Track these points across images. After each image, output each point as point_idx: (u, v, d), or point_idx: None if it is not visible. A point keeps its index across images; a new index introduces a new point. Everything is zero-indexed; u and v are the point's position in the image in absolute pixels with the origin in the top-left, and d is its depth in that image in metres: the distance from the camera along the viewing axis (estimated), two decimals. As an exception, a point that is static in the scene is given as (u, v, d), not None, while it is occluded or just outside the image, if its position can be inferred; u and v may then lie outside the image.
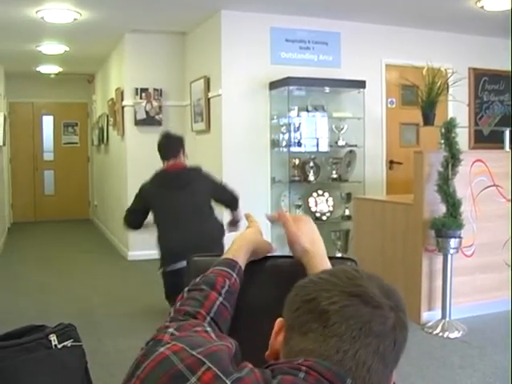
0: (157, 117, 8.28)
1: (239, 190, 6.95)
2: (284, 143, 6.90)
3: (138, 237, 8.29)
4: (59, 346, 2.01)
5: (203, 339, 1.12)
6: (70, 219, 12.44)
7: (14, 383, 1.90)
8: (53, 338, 2.02)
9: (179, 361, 1.01)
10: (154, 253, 8.05)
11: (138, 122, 8.26)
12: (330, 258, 1.66)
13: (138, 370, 1.04)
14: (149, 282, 6.34)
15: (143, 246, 8.22)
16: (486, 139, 7.95)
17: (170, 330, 1.16)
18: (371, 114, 7.17)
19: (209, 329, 1.22)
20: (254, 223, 1.80)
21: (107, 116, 9.95)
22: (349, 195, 6.97)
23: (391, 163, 7.55)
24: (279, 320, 1.14)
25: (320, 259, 1.58)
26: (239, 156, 6.98)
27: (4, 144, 9.99)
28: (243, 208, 6.96)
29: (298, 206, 6.91)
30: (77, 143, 13.01)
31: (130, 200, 8.22)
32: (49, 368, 1.98)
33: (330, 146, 7.08)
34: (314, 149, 7.05)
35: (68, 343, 2.04)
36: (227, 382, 0.97)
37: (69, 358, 2.03)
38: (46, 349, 2.00)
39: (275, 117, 7.00)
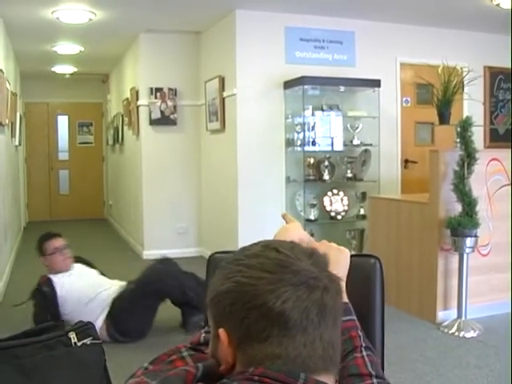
0: (172, 116, 8.29)
1: (254, 189, 7.00)
2: (299, 142, 6.90)
3: (153, 236, 8.37)
4: (78, 344, 2.03)
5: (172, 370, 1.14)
6: (84, 219, 12.50)
7: (34, 380, 1.92)
8: (72, 335, 2.04)
9: None
10: (168, 252, 8.15)
11: (152, 122, 8.28)
12: (354, 256, 1.67)
13: None
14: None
15: (158, 245, 8.28)
16: (501, 138, 7.92)
17: (146, 364, 1.21)
18: (386, 113, 7.15)
19: (186, 353, 1.23)
20: (295, 222, 1.78)
21: (122, 116, 9.98)
22: (364, 194, 6.96)
23: (406, 162, 7.53)
24: (222, 331, 1.07)
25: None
26: (254, 155, 6.99)
27: (20, 144, 10.04)
28: (261, 206, 7.00)
29: (313, 206, 6.90)
30: (92, 143, 13.07)
31: (145, 199, 8.32)
32: (68, 365, 1.99)
33: (345, 145, 7.07)
34: (329, 148, 7.04)
35: (87, 341, 2.05)
36: None
37: (88, 356, 2.05)
38: (65, 346, 2.01)
39: (290, 116, 6.99)
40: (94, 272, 5.14)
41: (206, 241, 8.32)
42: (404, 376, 3.97)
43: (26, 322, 4.79)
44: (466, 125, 4.73)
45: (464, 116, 5.48)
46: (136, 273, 7.12)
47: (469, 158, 4.73)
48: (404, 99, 7.58)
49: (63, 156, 12.94)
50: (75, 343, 2.02)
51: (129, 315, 4.71)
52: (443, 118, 5.36)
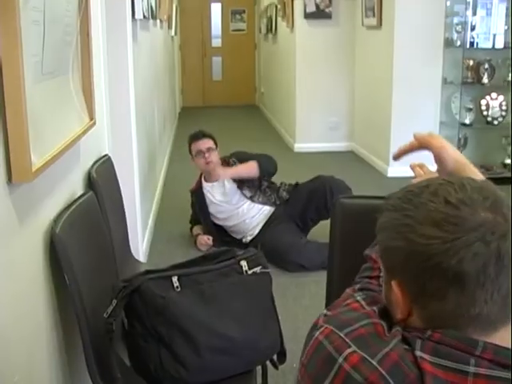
0: (327, 10, 8.19)
1: (409, 89, 6.89)
2: (458, 43, 6.68)
3: (305, 129, 8.48)
4: (249, 272, 2.20)
5: (354, 315, 1.13)
6: (236, 105, 12.76)
7: (211, 305, 2.11)
8: (244, 264, 2.21)
9: (329, 344, 1.06)
10: (320, 146, 8.27)
11: (307, 15, 8.22)
12: None
13: (302, 356, 1.12)
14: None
15: (310, 138, 8.41)
16: None
17: (324, 310, 1.20)
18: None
19: (359, 297, 1.20)
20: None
21: (276, 6, 9.94)
22: (524, 100, 6.70)
23: None
24: (395, 283, 1.05)
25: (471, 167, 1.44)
26: (410, 54, 6.83)
27: (175, 34, 10.28)
28: (415, 107, 6.90)
29: (469, 110, 6.73)
30: (244, 30, 13.14)
31: (298, 92, 8.38)
32: (241, 292, 2.17)
33: (507, 46, 6.74)
34: (489, 45, 6.77)
35: (257, 269, 2.22)
36: (373, 363, 0.99)
37: (257, 283, 2.22)
38: (238, 274, 2.19)
39: (450, 14, 6.75)
40: (240, 200, 4.85)
41: (358, 137, 8.34)
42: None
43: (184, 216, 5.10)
44: None
45: None
46: (289, 166, 7.29)
47: None
48: None
49: (216, 43, 13.14)
50: (246, 271, 2.20)
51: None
52: None
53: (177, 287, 2.09)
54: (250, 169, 4.73)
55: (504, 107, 6.75)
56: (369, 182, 6.71)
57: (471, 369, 0.96)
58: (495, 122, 6.76)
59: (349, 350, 1.02)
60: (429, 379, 0.95)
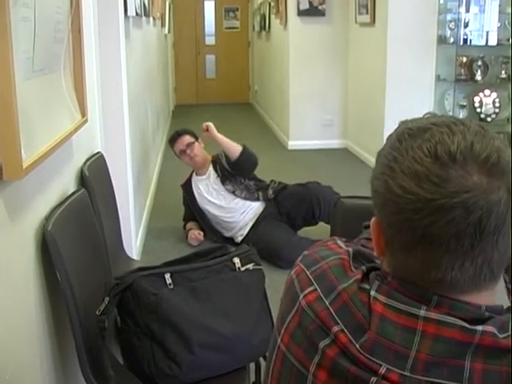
0: (320, 7, 8.19)
1: (402, 86, 6.90)
2: (451, 40, 6.69)
3: (298, 127, 8.48)
4: (242, 269, 2.21)
5: (326, 253, 1.12)
6: (230, 103, 12.76)
7: (204, 302, 2.12)
8: (237, 260, 2.22)
9: (297, 282, 1.09)
10: (313, 143, 8.28)
11: (300, 13, 8.22)
12: None
13: (287, 318, 1.09)
14: (309, 174, 6.46)
15: (304, 135, 8.41)
16: None
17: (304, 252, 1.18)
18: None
19: (340, 241, 1.17)
20: None
21: (269, 4, 9.94)
22: (517, 97, 6.73)
23: None
24: (374, 220, 0.99)
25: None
26: (404, 51, 6.83)
27: (169, 32, 10.28)
28: (408, 104, 6.91)
29: (462, 107, 6.75)
30: (237, 28, 13.14)
31: (291, 90, 8.38)
32: (233, 288, 2.18)
33: (500, 43, 6.76)
34: (482, 42, 6.80)
35: (250, 266, 2.23)
36: (325, 302, 1.00)
37: (250, 280, 2.23)
38: (231, 271, 2.20)
39: (443, 11, 6.76)
40: (225, 193, 4.86)
41: (351, 134, 8.35)
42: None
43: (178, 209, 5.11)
44: None
45: None
46: (283, 164, 7.29)
47: None
48: None
49: (210, 41, 13.14)
50: (239, 268, 2.20)
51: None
52: None
53: (169, 284, 2.09)
54: (235, 147, 4.79)
55: (497, 104, 6.76)
56: (362, 179, 6.64)
57: (422, 312, 0.92)
58: (488, 119, 6.77)
59: (310, 289, 1.04)
60: (375, 319, 0.94)
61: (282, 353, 1.05)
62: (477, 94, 6.77)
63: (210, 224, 4.86)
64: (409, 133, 0.96)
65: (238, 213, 4.76)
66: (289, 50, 8.38)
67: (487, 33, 6.82)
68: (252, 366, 2.32)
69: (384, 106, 6.97)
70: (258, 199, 4.81)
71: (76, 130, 2.20)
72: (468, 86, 6.81)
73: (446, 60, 6.81)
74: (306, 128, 8.46)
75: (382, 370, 0.90)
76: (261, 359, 2.30)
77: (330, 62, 8.34)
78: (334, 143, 8.44)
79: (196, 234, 4.80)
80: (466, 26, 6.72)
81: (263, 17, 10.77)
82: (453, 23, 6.67)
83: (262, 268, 2.27)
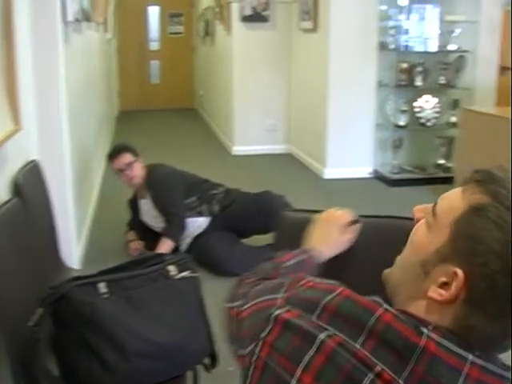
0: (263, 13, 8.22)
1: (344, 92, 6.98)
2: (392, 46, 6.80)
3: (242, 132, 8.48)
4: (178, 277, 2.20)
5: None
6: (174, 108, 12.70)
7: (141, 308, 2.10)
8: (172, 268, 2.21)
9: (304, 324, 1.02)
10: (258, 148, 8.30)
11: (244, 19, 8.23)
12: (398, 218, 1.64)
13: (263, 332, 1.06)
14: (254, 180, 6.48)
15: (248, 141, 8.42)
16: None
17: (287, 293, 1.13)
18: (486, 17, 6.86)
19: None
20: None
21: (213, 9, 9.93)
22: (456, 102, 6.84)
23: (504, 69, 7.29)
24: (463, 274, 0.96)
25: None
26: (346, 57, 6.91)
27: (113, 37, 10.20)
28: (350, 109, 7.00)
29: (403, 111, 6.85)
30: (182, 33, 13.11)
31: (235, 95, 8.40)
32: (169, 296, 2.17)
33: (440, 51, 6.90)
34: (423, 49, 6.95)
35: (186, 274, 2.22)
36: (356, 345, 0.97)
37: (186, 288, 2.22)
38: (166, 279, 2.19)
39: (384, 18, 6.86)
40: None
41: (295, 139, 8.39)
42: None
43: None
44: None
45: None
46: (228, 170, 7.28)
47: None
48: (507, 2, 7.20)
49: (154, 46, 13.08)
50: (174, 276, 2.19)
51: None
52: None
53: (104, 293, 2.07)
54: (167, 247, 4.45)
55: (437, 109, 6.89)
56: (306, 185, 6.77)
57: (470, 357, 0.94)
58: (428, 124, 6.90)
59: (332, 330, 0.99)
60: (425, 357, 0.94)
61: None
62: (417, 100, 6.88)
63: (153, 237, 4.65)
64: None
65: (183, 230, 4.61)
66: (233, 55, 8.38)
67: (427, 40, 6.95)
68: (191, 373, 2.31)
69: (326, 112, 7.03)
70: (201, 214, 4.67)
71: (8, 137, 2.16)
72: (408, 92, 6.92)
73: (387, 66, 6.90)
74: (251, 133, 8.47)
75: None
76: (200, 366, 2.30)
77: (274, 67, 8.37)
78: (279, 148, 8.47)
79: (136, 245, 4.72)
80: (407, 32, 6.84)
81: (207, 22, 10.76)
82: (394, 30, 6.77)
83: (198, 275, 2.26)
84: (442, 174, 6.73)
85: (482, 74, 6.96)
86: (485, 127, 5.67)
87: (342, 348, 0.95)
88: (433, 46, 6.95)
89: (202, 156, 8.33)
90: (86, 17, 5.46)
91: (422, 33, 6.98)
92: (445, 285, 0.98)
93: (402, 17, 6.73)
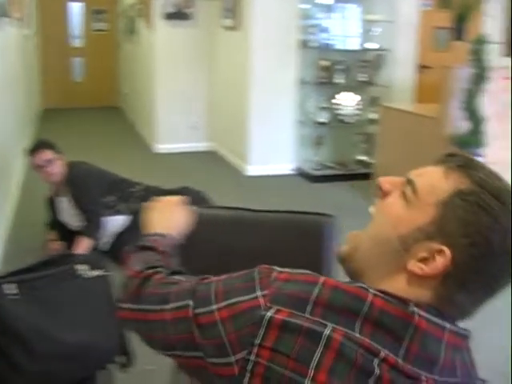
0: (186, 11, 8.19)
1: (266, 89, 7.03)
2: (313, 44, 6.89)
3: (165, 130, 8.44)
4: (89, 276, 2.19)
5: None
6: (98, 106, 12.53)
7: (50, 309, 2.08)
8: (81, 267, 2.20)
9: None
10: (181, 146, 8.28)
11: (167, 16, 8.19)
12: (302, 213, 1.68)
13: (257, 338, 1.02)
14: (177, 178, 6.45)
15: (171, 139, 8.39)
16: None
17: (265, 291, 1.07)
18: (404, 17, 7.02)
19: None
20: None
21: (136, 6, 9.85)
22: (376, 99, 6.98)
23: (422, 68, 7.47)
24: (448, 251, 1.02)
25: None
26: (268, 55, 6.96)
27: (34, 33, 10.01)
28: (272, 106, 7.06)
29: (324, 109, 6.95)
30: (106, 30, 12.94)
31: (159, 92, 8.36)
32: (79, 295, 2.16)
33: (361, 49, 7.04)
34: (343, 47, 7.08)
35: (97, 273, 2.22)
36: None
37: (97, 287, 2.22)
38: (74, 278, 2.18)
39: (305, 17, 6.94)
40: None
41: (218, 136, 8.39)
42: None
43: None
44: (479, 44, 4.70)
45: (481, 32, 5.41)
46: (151, 168, 7.24)
47: (480, 76, 4.73)
48: (423, 2, 7.39)
49: (77, 43, 12.87)
50: (83, 275, 2.18)
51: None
52: (459, 32, 5.31)
53: (13, 294, 2.05)
54: (85, 246, 4.38)
55: (357, 106, 7.01)
56: (228, 182, 6.80)
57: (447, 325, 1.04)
58: (349, 121, 7.01)
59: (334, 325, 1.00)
60: (418, 335, 1.01)
61: None
62: (337, 97, 6.99)
63: (74, 237, 4.54)
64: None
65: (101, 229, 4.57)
66: (155, 53, 8.33)
67: (347, 38, 7.07)
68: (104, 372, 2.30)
69: (248, 109, 7.07)
70: (120, 213, 4.64)
71: None
72: (329, 89, 7.02)
73: (308, 64, 6.99)
74: (174, 131, 8.44)
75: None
76: (115, 365, 2.29)
77: (197, 65, 8.36)
78: (202, 146, 8.46)
79: (55, 246, 4.64)
80: (328, 31, 6.94)
81: (131, 19, 10.65)
82: (315, 28, 6.87)
83: (108, 274, 2.26)
84: (363, 170, 6.87)
85: (401, 72, 7.13)
86: (402, 124, 5.81)
87: (347, 340, 0.97)
88: (353, 45, 7.08)
89: (124, 154, 8.27)
90: (2, 12, 5.35)
91: (344, 31, 7.09)
92: (423, 260, 1.03)
93: (324, 15, 6.82)
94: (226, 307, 1.08)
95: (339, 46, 7.07)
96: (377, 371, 0.95)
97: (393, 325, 0.99)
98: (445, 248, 1.01)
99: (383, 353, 0.97)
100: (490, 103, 4.99)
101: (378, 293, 1.02)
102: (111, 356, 2.18)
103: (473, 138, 4.81)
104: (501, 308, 3.77)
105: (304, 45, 6.96)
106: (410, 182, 1.09)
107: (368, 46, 7.03)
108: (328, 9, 6.97)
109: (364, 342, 0.97)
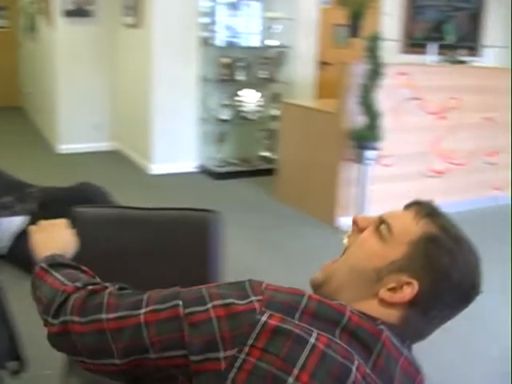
0: (87, 8, 8.05)
1: (168, 87, 7.00)
2: (214, 42, 6.90)
3: (68, 130, 8.29)
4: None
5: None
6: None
7: None
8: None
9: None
10: (85, 146, 8.14)
11: (67, 13, 8.02)
12: (189, 209, 1.73)
13: (250, 339, 1.11)
14: (80, 178, 6.32)
15: (74, 139, 8.24)
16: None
17: (259, 296, 1.18)
18: (304, 14, 7.12)
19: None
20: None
21: (36, 3, 9.63)
22: (278, 95, 7.05)
23: (323, 64, 7.60)
24: (415, 284, 1.19)
25: None
26: (169, 53, 6.93)
27: None
28: (174, 104, 7.04)
29: (226, 106, 6.98)
30: (6, 27, 12.59)
31: (60, 92, 8.18)
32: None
33: (261, 46, 7.10)
34: (245, 44, 7.13)
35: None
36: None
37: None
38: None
39: (205, 14, 6.94)
40: None
41: (121, 136, 8.29)
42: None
43: None
44: (373, 40, 4.80)
45: (377, 29, 5.54)
46: (52, 169, 7.09)
47: (375, 72, 4.84)
48: (323, 0, 7.52)
49: (-24, 40, 12.49)
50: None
51: None
52: (354, 30, 5.42)
53: None
54: None
55: (259, 103, 7.06)
56: (132, 181, 6.74)
57: (405, 351, 1.20)
58: (251, 117, 7.06)
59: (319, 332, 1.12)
60: (384, 352, 1.16)
61: None
62: (239, 94, 7.03)
63: None
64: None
65: None
66: (56, 51, 8.15)
67: (249, 35, 7.11)
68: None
69: (150, 107, 7.03)
70: (16, 213, 4.55)
71: None
72: (231, 86, 7.05)
73: (209, 61, 7.00)
74: (77, 131, 8.28)
75: None
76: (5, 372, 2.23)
77: (99, 63, 8.23)
78: (105, 145, 8.34)
79: None
80: (229, 28, 6.96)
81: (31, 17, 10.40)
82: (216, 26, 6.89)
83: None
84: (266, 166, 6.93)
85: (302, 69, 7.23)
86: (303, 119, 5.88)
87: (328, 348, 1.09)
88: (254, 42, 7.13)
89: (26, 155, 8.06)
90: None
91: (245, 29, 7.14)
92: (392, 289, 1.20)
93: (225, 13, 6.83)
94: (222, 306, 1.16)
95: (242, 43, 7.10)
96: (352, 377, 1.08)
97: (365, 338, 1.14)
98: (413, 281, 1.19)
99: (357, 361, 1.10)
100: (385, 98, 5.12)
101: (354, 310, 1.17)
102: (2, 361, 2.12)
103: (369, 133, 4.92)
104: (501, 307, 3.91)
105: (205, 42, 6.96)
106: (384, 222, 1.26)
107: (269, 43, 7.09)
108: (231, 6, 7.00)
109: (342, 349, 1.10)
